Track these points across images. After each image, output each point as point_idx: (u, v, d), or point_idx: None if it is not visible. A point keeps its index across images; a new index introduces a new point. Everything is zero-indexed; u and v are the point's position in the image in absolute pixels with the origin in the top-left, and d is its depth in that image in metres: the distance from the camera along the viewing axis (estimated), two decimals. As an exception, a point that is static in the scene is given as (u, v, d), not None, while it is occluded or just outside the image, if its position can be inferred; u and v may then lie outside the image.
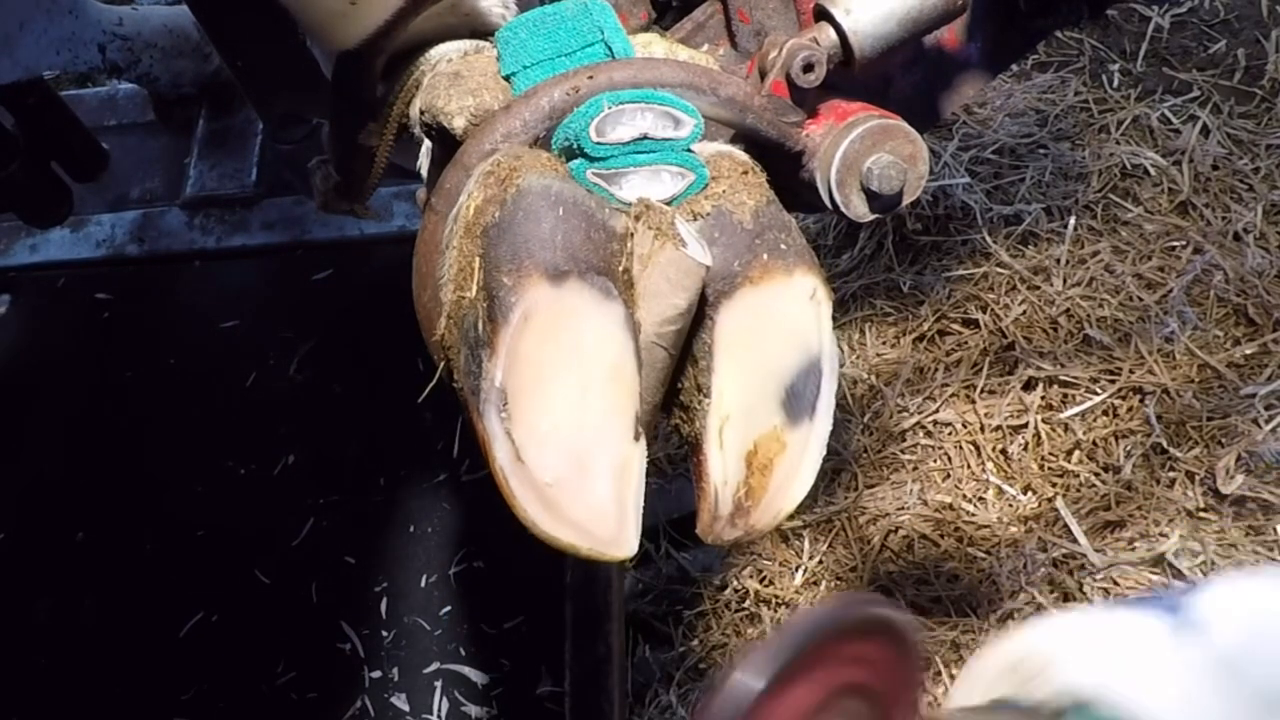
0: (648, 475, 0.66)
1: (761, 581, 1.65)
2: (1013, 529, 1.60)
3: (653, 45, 0.77)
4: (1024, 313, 1.77)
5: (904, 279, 1.86)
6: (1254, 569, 0.50)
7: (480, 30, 0.79)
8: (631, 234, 0.64)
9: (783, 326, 0.67)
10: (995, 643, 0.54)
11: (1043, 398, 1.70)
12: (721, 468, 0.67)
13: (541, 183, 0.62)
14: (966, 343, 1.78)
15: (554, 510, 0.61)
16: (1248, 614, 0.47)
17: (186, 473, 1.82)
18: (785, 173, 0.76)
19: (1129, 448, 1.62)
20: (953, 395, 1.74)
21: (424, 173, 0.83)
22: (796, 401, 0.68)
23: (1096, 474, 1.62)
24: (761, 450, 0.68)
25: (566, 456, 0.62)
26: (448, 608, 1.65)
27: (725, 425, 0.67)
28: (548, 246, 0.60)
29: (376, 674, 1.62)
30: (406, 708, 1.59)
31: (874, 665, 0.51)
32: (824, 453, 0.70)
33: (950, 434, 1.71)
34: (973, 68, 0.93)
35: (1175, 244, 1.81)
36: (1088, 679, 0.48)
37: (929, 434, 1.73)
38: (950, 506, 1.64)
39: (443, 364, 0.67)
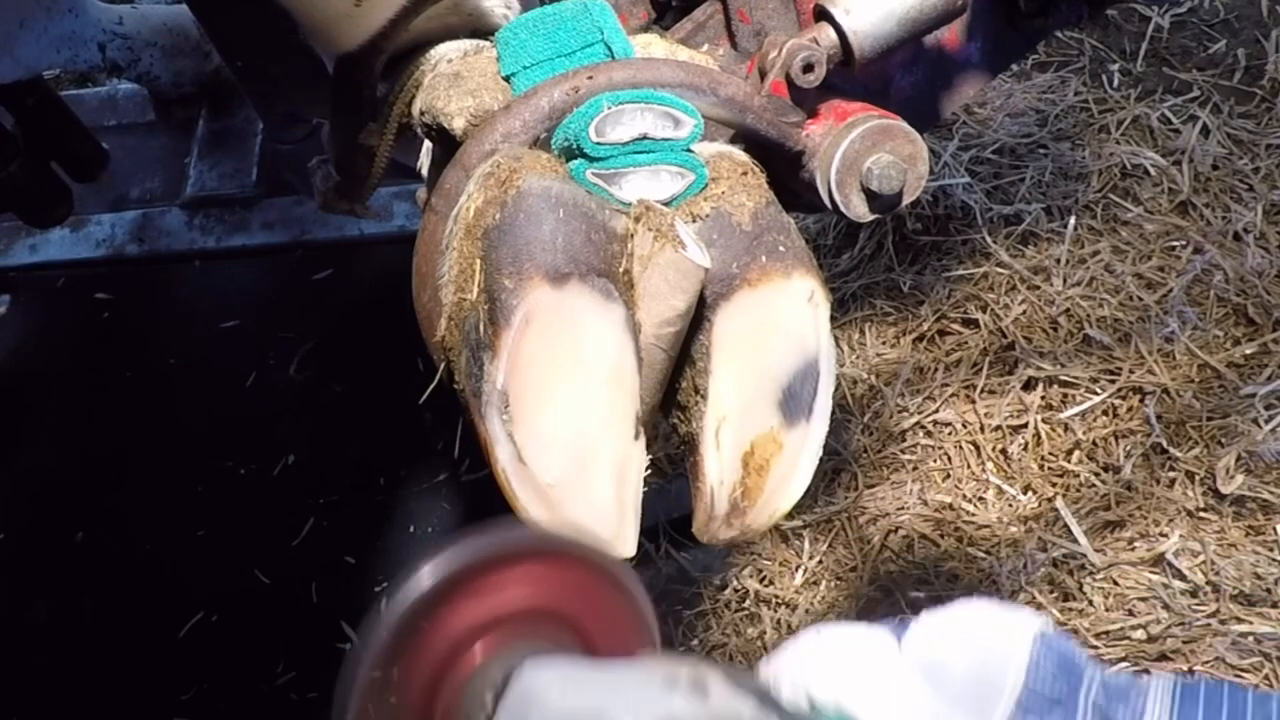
0: (647, 475, 0.66)
1: (761, 581, 1.66)
2: (1013, 529, 1.60)
3: (652, 45, 0.77)
4: (1024, 312, 1.77)
5: (904, 279, 1.86)
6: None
7: (482, 30, 0.79)
8: (631, 235, 0.64)
9: (780, 328, 0.67)
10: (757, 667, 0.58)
11: (1043, 398, 1.70)
12: (718, 468, 0.67)
13: (542, 184, 0.62)
14: (966, 343, 1.78)
15: (555, 510, 0.61)
16: (942, 627, 0.55)
17: (186, 473, 1.82)
18: (785, 173, 0.76)
19: (1129, 448, 1.62)
20: (953, 395, 1.74)
21: (424, 173, 0.83)
22: (793, 403, 0.68)
23: (1096, 474, 1.62)
24: (758, 451, 0.68)
25: (567, 457, 0.62)
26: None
27: (722, 426, 0.67)
28: (548, 249, 0.61)
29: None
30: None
31: (556, 589, 0.53)
32: (820, 454, 0.70)
33: (950, 434, 1.71)
34: (973, 68, 0.93)
35: (1175, 244, 1.81)
36: (824, 686, 0.53)
37: (929, 434, 1.73)
38: (950, 506, 1.64)
39: (443, 365, 0.67)
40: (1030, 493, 1.64)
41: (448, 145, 0.73)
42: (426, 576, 0.49)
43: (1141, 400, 1.66)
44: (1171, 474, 1.60)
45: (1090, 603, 1.53)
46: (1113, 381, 1.68)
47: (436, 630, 0.50)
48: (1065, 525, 1.58)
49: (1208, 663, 1.46)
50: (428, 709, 0.51)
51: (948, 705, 0.53)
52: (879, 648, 0.55)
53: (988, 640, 0.54)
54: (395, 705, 0.50)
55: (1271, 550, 1.51)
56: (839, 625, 0.56)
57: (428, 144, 0.80)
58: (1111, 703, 0.53)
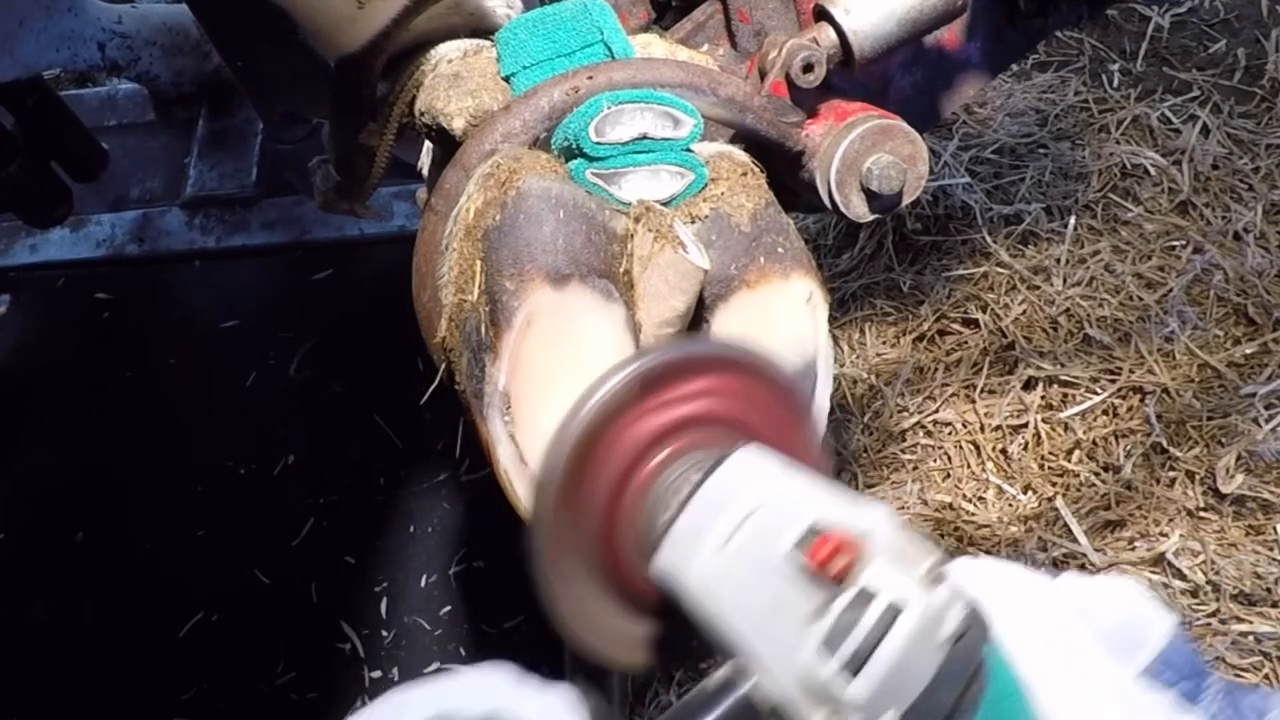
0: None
1: (761, 581, 1.66)
2: (1013, 528, 1.60)
3: (652, 45, 0.77)
4: (1024, 312, 1.77)
5: (904, 279, 1.86)
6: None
7: (483, 29, 0.79)
8: (631, 236, 0.64)
9: (779, 329, 0.67)
10: None
11: (1043, 397, 1.70)
12: None
13: (541, 185, 0.62)
14: (966, 342, 1.78)
15: None
16: (1093, 581, 0.57)
17: (186, 473, 1.82)
18: (785, 173, 0.76)
19: (1129, 447, 1.62)
20: (953, 395, 1.74)
21: (424, 173, 0.83)
22: None
23: (1096, 474, 1.62)
24: None
25: None
26: (448, 608, 1.65)
27: None
28: (549, 250, 0.61)
29: (376, 674, 1.62)
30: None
31: (736, 398, 0.55)
32: None
33: (950, 434, 1.71)
34: (973, 68, 0.93)
35: (1175, 244, 1.81)
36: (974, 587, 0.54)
37: (929, 434, 1.73)
38: (950, 506, 1.64)
39: (444, 366, 0.67)
40: (1030, 492, 1.64)
41: (447, 145, 0.73)
42: (608, 385, 0.52)
43: (1141, 400, 1.66)
44: (1171, 474, 1.60)
45: (1090, 603, 1.53)
46: (1113, 381, 1.68)
47: (619, 436, 0.52)
48: (1065, 525, 1.58)
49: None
50: (613, 507, 0.53)
51: (1091, 640, 0.53)
52: (1035, 581, 0.56)
53: (1137, 602, 0.56)
54: (585, 501, 0.52)
55: (1271, 550, 1.51)
56: (993, 560, 0.57)
57: (428, 144, 0.80)
58: (1236, 691, 0.54)
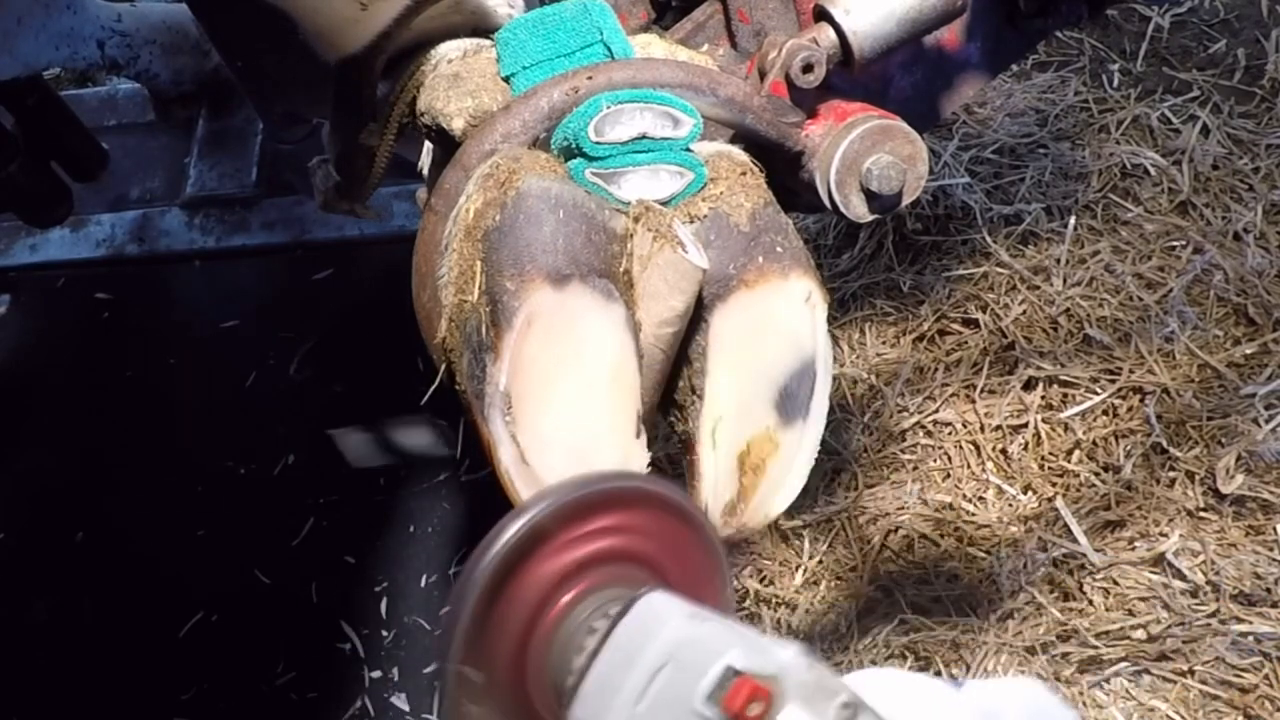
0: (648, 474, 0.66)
1: (761, 581, 1.65)
2: (1013, 529, 1.60)
3: (652, 46, 0.77)
4: (1024, 312, 1.77)
5: (904, 279, 1.85)
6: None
7: (485, 28, 0.79)
8: (631, 235, 0.64)
9: (777, 329, 0.67)
10: None
11: (1043, 397, 1.70)
12: (713, 467, 0.68)
13: (541, 185, 0.62)
14: (966, 342, 1.78)
15: None
16: (997, 684, 0.57)
17: (186, 473, 1.82)
18: (785, 173, 0.76)
19: (1129, 447, 1.62)
20: (953, 395, 1.74)
21: (425, 173, 0.83)
22: (790, 402, 0.68)
23: (1096, 474, 1.62)
24: (754, 450, 0.68)
25: (570, 456, 0.62)
26: (448, 608, 1.65)
27: (718, 426, 0.67)
28: (549, 250, 0.61)
29: (376, 674, 1.62)
30: (406, 708, 1.59)
31: (643, 535, 0.54)
32: (816, 453, 0.70)
33: (950, 434, 1.71)
34: (973, 68, 0.93)
35: (1175, 244, 1.80)
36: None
37: (929, 434, 1.73)
38: (950, 506, 1.64)
39: (444, 367, 0.68)
40: (1030, 492, 1.64)
41: (447, 145, 0.73)
42: (523, 519, 0.51)
43: (1141, 400, 1.66)
44: (1171, 474, 1.60)
45: (1090, 602, 1.53)
46: (1113, 381, 1.68)
47: (528, 576, 0.52)
48: (1065, 525, 1.58)
49: (1208, 662, 1.46)
50: (521, 649, 0.53)
51: None
52: (938, 690, 0.57)
53: (1042, 701, 0.56)
54: (492, 646, 0.52)
55: (1271, 550, 1.51)
56: (899, 670, 0.58)
57: (428, 144, 0.80)
58: None
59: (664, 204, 0.66)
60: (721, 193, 0.67)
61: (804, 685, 0.45)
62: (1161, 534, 1.55)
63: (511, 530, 0.51)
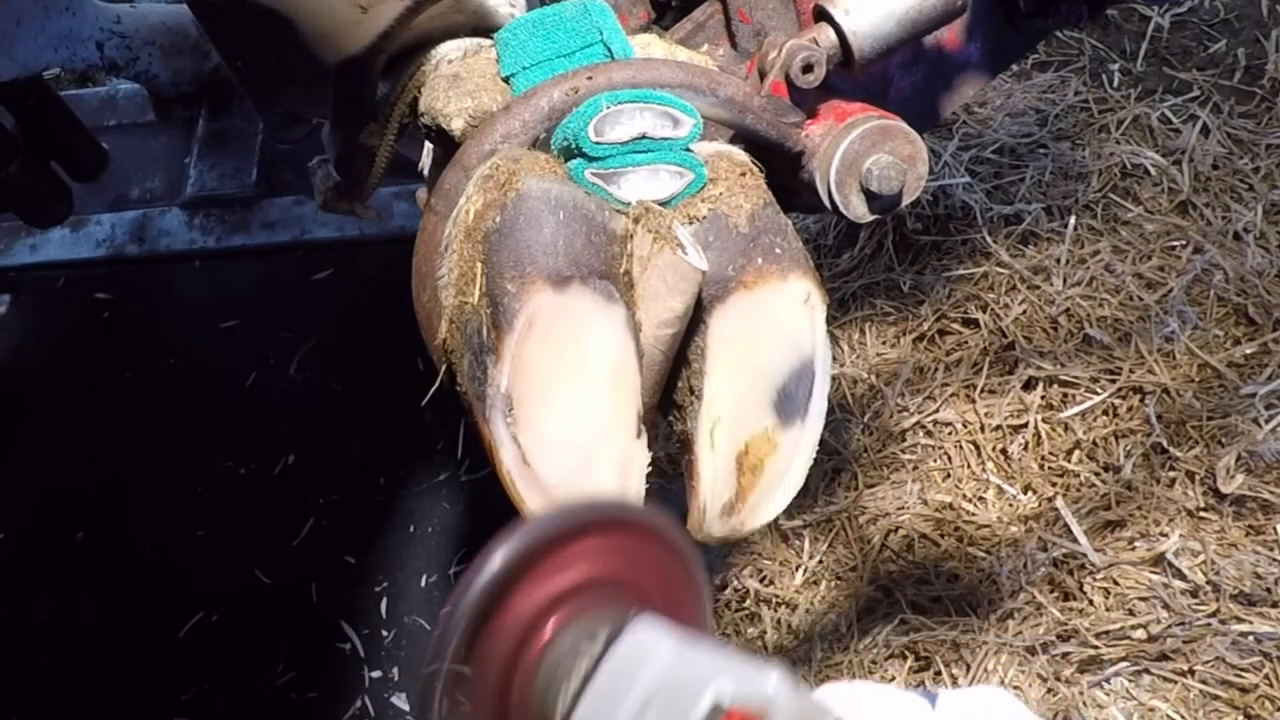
0: (648, 475, 0.66)
1: (761, 581, 1.65)
2: (1013, 529, 1.60)
3: (652, 46, 0.77)
4: (1024, 312, 1.77)
5: (904, 279, 1.85)
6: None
7: (486, 27, 0.79)
8: (631, 236, 0.64)
9: (776, 330, 0.67)
10: None
11: (1043, 397, 1.70)
12: (711, 467, 0.68)
13: (541, 186, 0.62)
14: (966, 342, 1.78)
15: None
16: (971, 695, 0.57)
17: (186, 473, 1.82)
18: (785, 173, 0.76)
19: (1129, 447, 1.62)
20: (953, 395, 1.74)
21: (425, 173, 0.83)
22: (789, 403, 0.68)
23: (1096, 474, 1.62)
24: (753, 450, 0.68)
25: (571, 457, 0.62)
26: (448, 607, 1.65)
27: (716, 426, 0.67)
28: (550, 252, 0.61)
29: (376, 674, 1.62)
30: (406, 708, 1.59)
31: (623, 559, 0.53)
32: (815, 454, 0.70)
33: (950, 434, 1.71)
34: (973, 68, 0.93)
35: (1175, 244, 1.81)
36: None
37: (929, 434, 1.73)
38: (950, 506, 1.64)
39: (444, 368, 0.68)
40: (1030, 492, 1.64)
41: (447, 146, 0.73)
42: (499, 557, 0.50)
43: (1141, 400, 1.66)
44: (1172, 474, 1.60)
45: (1090, 602, 1.53)
46: (1113, 381, 1.68)
47: (512, 608, 0.51)
48: (1065, 525, 1.58)
49: (1208, 662, 1.46)
50: (506, 683, 0.52)
51: None
52: (913, 706, 0.57)
53: (1013, 711, 0.56)
54: (477, 681, 0.51)
55: (1271, 550, 1.51)
56: (872, 684, 0.58)
57: (428, 144, 0.80)
58: None
59: (664, 204, 0.66)
60: (721, 194, 0.67)
61: (792, 713, 0.45)
62: (1162, 534, 1.55)
63: (490, 568, 0.50)
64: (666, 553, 0.55)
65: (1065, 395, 1.69)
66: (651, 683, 0.46)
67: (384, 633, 1.65)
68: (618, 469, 0.64)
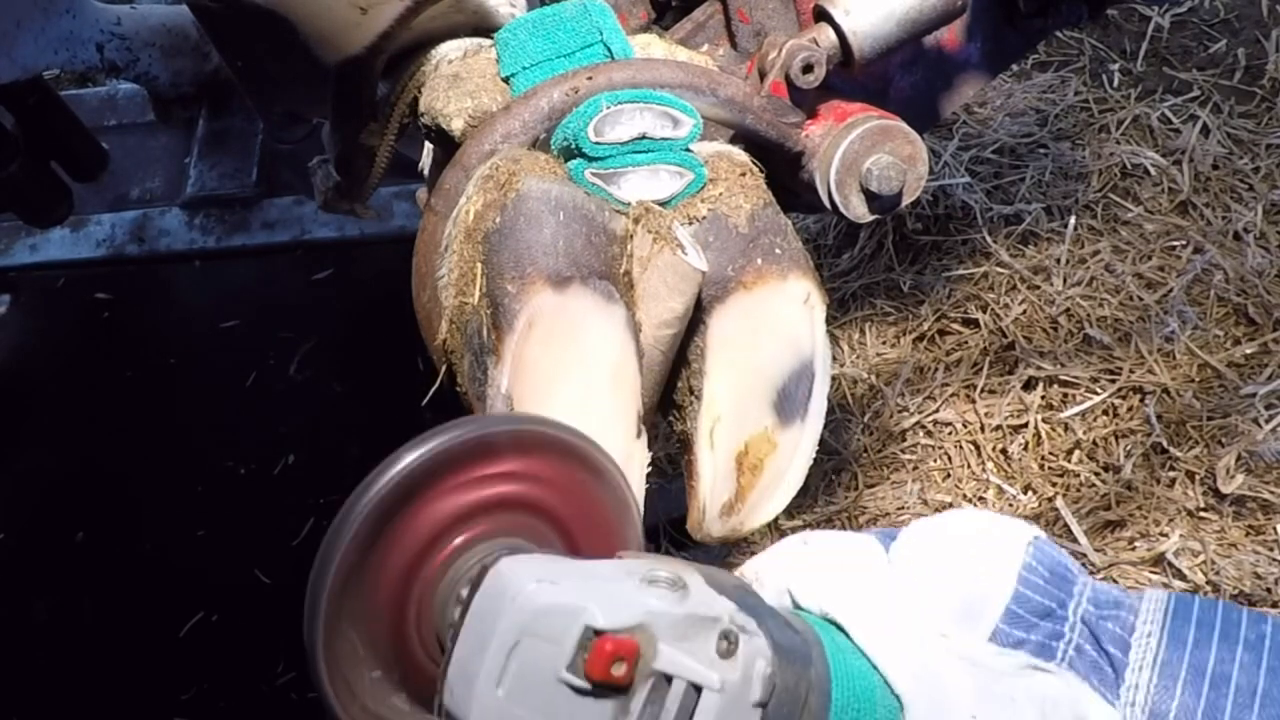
0: (648, 474, 0.66)
1: (761, 581, 1.66)
2: (1013, 529, 1.60)
3: (652, 46, 0.77)
4: (1024, 312, 1.77)
5: (904, 279, 1.85)
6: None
7: (486, 28, 0.79)
8: (631, 236, 0.64)
9: (776, 330, 0.67)
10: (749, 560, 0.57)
11: (1043, 397, 1.70)
12: (711, 467, 0.68)
13: (541, 187, 0.62)
14: (966, 342, 1.78)
15: None
16: (930, 535, 0.55)
17: (187, 473, 1.82)
18: (785, 173, 0.76)
19: (1129, 447, 1.62)
20: (953, 395, 1.74)
21: (425, 173, 0.83)
22: (788, 403, 0.68)
23: (1096, 474, 1.62)
24: (752, 450, 0.68)
25: None
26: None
27: (716, 426, 0.67)
28: (550, 253, 0.61)
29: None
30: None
31: (542, 483, 0.51)
32: (815, 453, 0.70)
33: (950, 434, 1.71)
34: (972, 68, 0.93)
35: (1175, 244, 1.80)
36: (809, 591, 0.52)
37: (929, 434, 1.73)
38: (950, 506, 1.64)
39: (445, 368, 0.68)
40: (1030, 493, 1.64)
41: (447, 146, 0.73)
42: (407, 459, 0.48)
43: (1142, 400, 1.66)
44: (1171, 474, 1.59)
45: (1090, 603, 1.53)
46: (1113, 381, 1.68)
47: (415, 517, 0.49)
48: (1065, 525, 1.58)
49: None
50: (402, 597, 0.50)
51: (934, 614, 0.52)
52: (867, 555, 0.55)
53: (977, 549, 0.54)
54: (370, 591, 0.49)
55: (1271, 550, 1.51)
56: (826, 533, 0.55)
57: (429, 144, 0.80)
58: (1101, 616, 0.53)
59: (664, 204, 0.66)
60: (720, 194, 0.67)
61: (675, 625, 0.42)
62: (1161, 534, 1.55)
63: (403, 462, 0.48)
64: (591, 476, 0.52)
65: (1065, 395, 1.69)
66: (514, 625, 0.43)
67: (384, 633, 1.65)
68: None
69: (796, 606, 0.52)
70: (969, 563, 0.54)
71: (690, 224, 0.66)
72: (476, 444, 0.50)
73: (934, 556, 0.54)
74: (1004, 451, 1.67)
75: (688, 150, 0.67)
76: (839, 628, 0.51)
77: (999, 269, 1.82)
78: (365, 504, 0.49)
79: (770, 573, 0.54)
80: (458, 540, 0.50)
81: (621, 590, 0.43)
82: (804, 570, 0.53)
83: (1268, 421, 1.58)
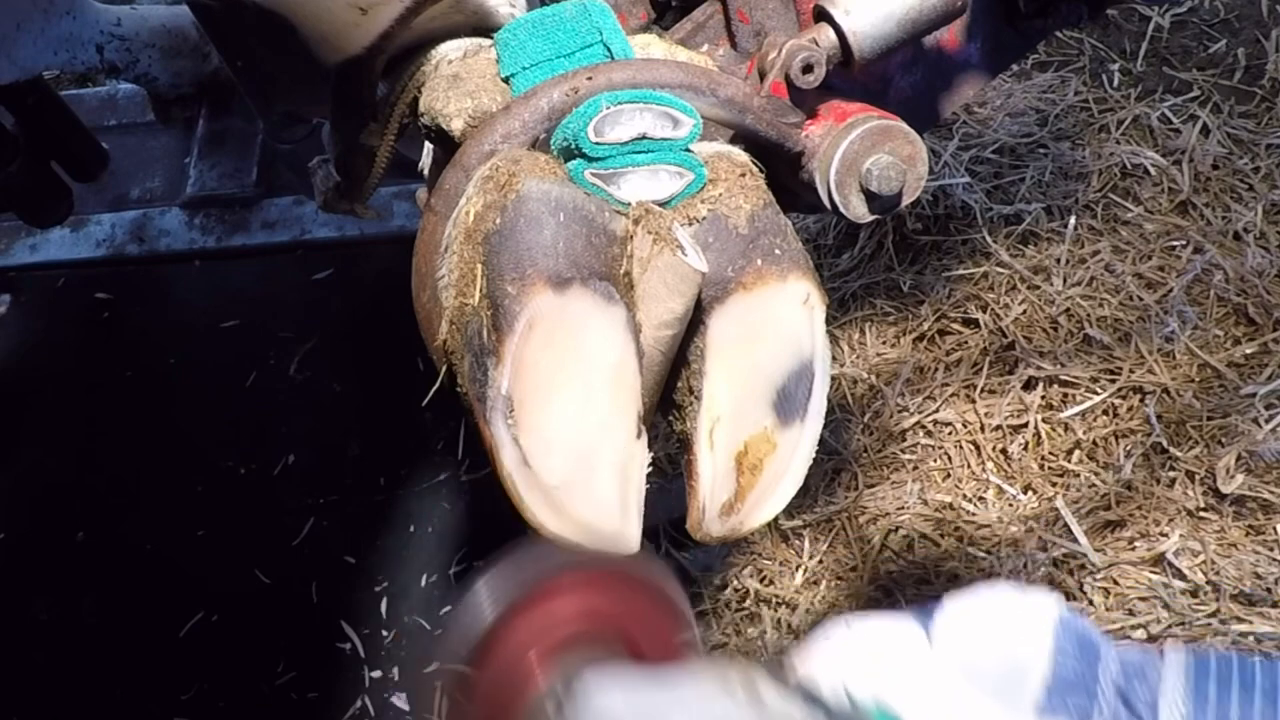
0: (648, 475, 0.66)
1: (761, 581, 1.66)
2: (1013, 529, 1.60)
3: (651, 46, 0.77)
4: (1024, 312, 1.77)
5: (904, 279, 1.86)
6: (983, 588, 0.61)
7: (486, 27, 0.79)
8: (631, 237, 0.64)
9: (775, 330, 0.67)
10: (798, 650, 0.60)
11: (1043, 397, 1.70)
12: (710, 467, 0.68)
13: (541, 187, 0.62)
14: (966, 342, 1.78)
15: (560, 511, 0.61)
16: (967, 617, 0.58)
17: (186, 473, 1.82)
18: (785, 173, 0.76)
19: (1129, 447, 1.62)
20: (953, 395, 1.74)
21: (425, 173, 0.83)
22: (788, 403, 0.68)
23: (1096, 474, 1.62)
24: (752, 450, 0.68)
25: (572, 458, 0.62)
26: (448, 608, 1.65)
27: (715, 426, 0.67)
28: (550, 254, 0.61)
29: (376, 674, 1.62)
30: (406, 708, 1.59)
31: (619, 616, 0.56)
32: (814, 454, 0.70)
33: (950, 434, 1.71)
34: (972, 68, 0.93)
35: (1175, 243, 1.81)
36: (861, 683, 0.56)
37: (929, 434, 1.73)
38: (950, 506, 1.64)
39: (445, 369, 0.67)
40: (1030, 492, 1.64)
41: (447, 146, 0.73)
42: (487, 605, 0.53)
43: (1141, 400, 1.66)
44: (1171, 474, 1.60)
45: (1090, 602, 1.53)
46: (1113, 381, 1.68)
47: (497, 653, 0.53)
48: (1065, 525, 1.58)
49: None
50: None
51: (981, 696, 0.55)
52: (909, 641, 0.57)
53: (1014, 629, 0.57)
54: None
55: (1271, 550, 1.51)
56: (866, 617, 0.58)
57: (429, 144, 0.80)
58: (1130, 680, 0.56)
59: (663, 205, 0.66)
60: (720, 194, 0.67)
61: None
62: (1161, 534, 1.55)
63: (480, 613, 0.53)
64: (641, 587, 0.57)
65: (1065, 395, 1.69)
66: None
67: (384, 633, 1.65)
68: (618, 469, 0.64)
69: (852, 701, 0.55)
70: (1007, 640, 0.57)
71: (690, 225, 0.66)
72: (536, 580, 0.55)
73: (973, 636, 0.57)
74: (1004, 451, 1.67)
75: (688, 151, 0.67)
76: (894, 718, 0.54)
77: (999, 269, 1.82)
78: (458, 651, 0.54)
79: (823, 666, 0.57)
80: (535, 666, 0.54)
81: (703, 702, 0.47)
82: (853, 660, 0.56)
83: (1268, 421, 1.58)
